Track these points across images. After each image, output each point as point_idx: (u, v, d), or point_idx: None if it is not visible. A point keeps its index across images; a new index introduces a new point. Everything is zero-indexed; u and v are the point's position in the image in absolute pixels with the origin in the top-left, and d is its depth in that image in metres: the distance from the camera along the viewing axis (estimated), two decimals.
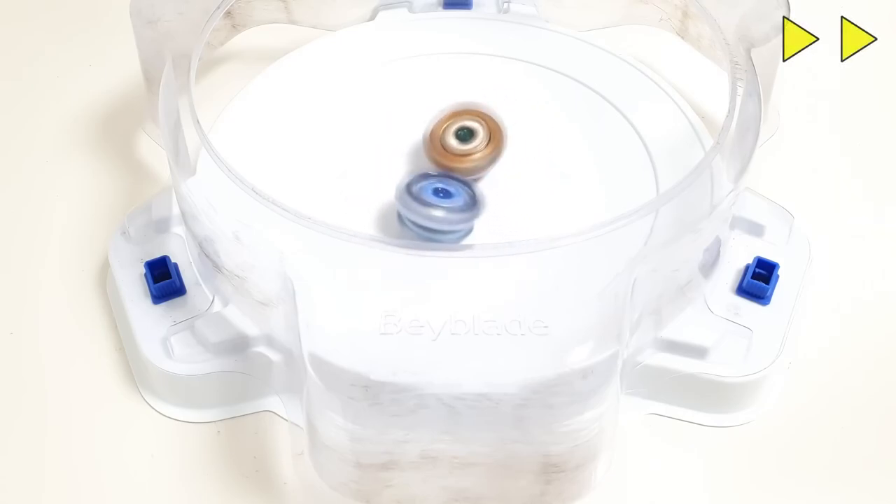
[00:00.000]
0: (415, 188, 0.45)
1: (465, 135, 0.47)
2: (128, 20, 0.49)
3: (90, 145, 0.56)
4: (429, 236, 0.45)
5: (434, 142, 0.47)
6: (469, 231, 0.46)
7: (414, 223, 0.45)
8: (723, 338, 0.46)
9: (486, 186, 0.47)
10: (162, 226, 0.49)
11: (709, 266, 0.47)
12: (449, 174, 0.47)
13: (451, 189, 0.46)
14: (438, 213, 0.45)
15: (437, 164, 0.47)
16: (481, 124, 0.48)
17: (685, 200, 0.45)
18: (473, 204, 0.46)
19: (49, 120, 0.57)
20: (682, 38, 0.55)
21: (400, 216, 0.46)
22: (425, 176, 0.46)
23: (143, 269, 0.48)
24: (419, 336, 0.42)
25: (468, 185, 0.46)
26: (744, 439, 0.47)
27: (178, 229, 0.49)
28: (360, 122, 0.51)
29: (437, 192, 0.46)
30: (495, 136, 0.48)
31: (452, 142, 0.47)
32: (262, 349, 0.46)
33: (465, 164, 0.47)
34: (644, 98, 0.52)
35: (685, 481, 0.46)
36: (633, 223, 0.42)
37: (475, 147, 0.47)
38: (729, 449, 0.46)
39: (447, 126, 0.47)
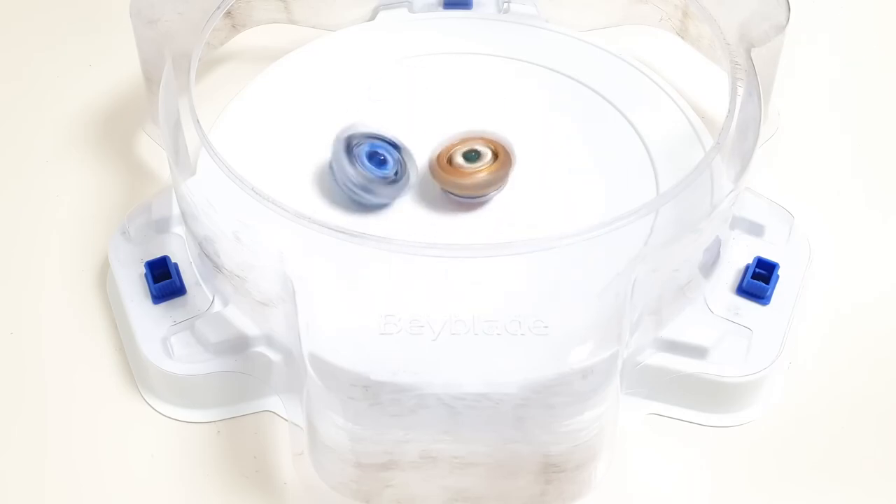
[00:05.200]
0: (355, 147, 0.47)
1: (473, 156, 0.47)
2: (128, 20, 0.49)
3: (90, 145, 0.56)
4: (350, 196, 0.47)
5: (441, 161, 0.47)
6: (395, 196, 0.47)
7: (344, 181, 0.47)
8: (723, 338, 0.46)
9: None
10: (162, 226, 0.49)
11: (709, 266, 0.47)
12: (386, 139, 0.47)
13: (388, 157, 0.47)
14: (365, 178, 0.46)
15: (440, 179, 0.47)
16: (490, 148, 0.47)
17: (685, 200, 0.45)
18: (400, 177, 0.47)
19: (49, 120, 0.57)
20: (682, 38, 0.55)
21: (331, 166, 0.47)
22: (367, 136, 0.47)
23: (143, 269, 0.48)
24: (419, 336, 0.42)
25: (402, 155, 0.47)
26: (744, 439, 0.47)
27: (178, 229, 0.49)
28: (359, 122, 0.51)
29: (372, 156, 0.46)
30: (502, 160, 0.47)
31: (459, 160, 0.47)
32: (262, 349, 0.46)
33: (471, 180, 0.47)
34: (644, 98, 0.52)
35: (685, 481, 0.46)
36: (633, 223, 0.42)
37: (480, 168, 0.47)
38: (729, 449, 0.46)
39: (457, 149, 0.47)
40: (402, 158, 0.47)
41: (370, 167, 0.46)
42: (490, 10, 0.57)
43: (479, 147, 0.47)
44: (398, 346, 0.42)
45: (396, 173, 0.47)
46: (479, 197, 0.47)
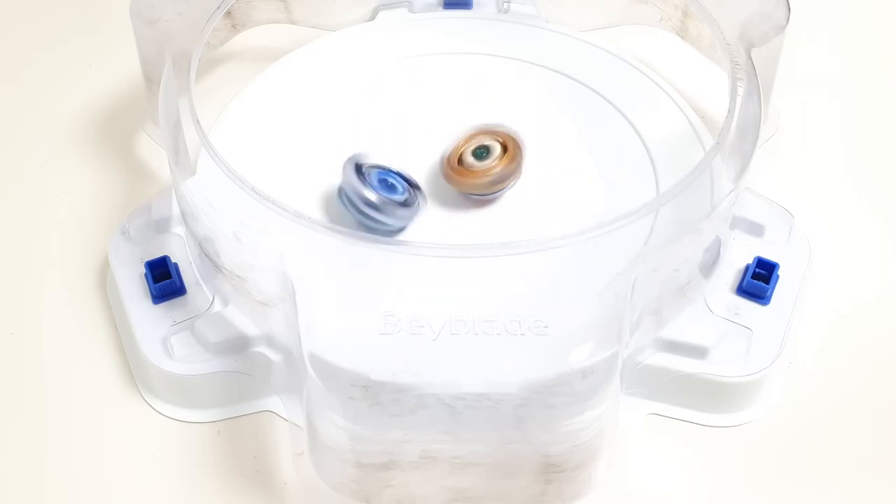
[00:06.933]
0: (365, 169, 0.46)
1: (482, 153, 0.47)
2: (128, 20, 0.49)
3: (90, 145, 0.56)
4: (361, 220, 0.46)
5: (452, 162, 0.47)
6: (401, 229, 0.46)
7: (351, 200, 0.46)
8: (723, 338, 0.46)
9: None
10: (162, 226, 0.49)
11: (709, 266, 0.47)
12: (393, 171, 0.47)
13: (397, 184, 0.46)
14: (375, 197, 0.45)
15: (455, 183, 0.47)
16: (498, 142, 0.47)
17: (685, 200, 0.45)
18: (412, 202, 0.46)
19: (49, 120, 0.57)
20: (682, 38, 0.55)
21: (341, 190, 0.46)
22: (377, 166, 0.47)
23: (143, 269, 0.48)
24: (419, 336, 0.42)
25: (413, 186, 0.47)
26: (744, 439, 0.47)
27: (178, 229, 0.49)
28: (359, 122, 0.51)
29: (382, 182, 0.46)
30: (512, 152, 0.47)
31: (470, 159, 0.47)
32: (262, 349, 0.46)
33: (483, 179, 0.47)
34: (644, 98, 0.52)
35: (685, 481, 0.46)
36: (633, 223, 0.42)
37: (492, 164, 0.47)
38: (729, 449, 0.46)
39: (465, 147, 0.47)
40: (411, 188, 0.47)
41: (382, 191, 0.46)
42: (490, 10, 0.57)
43: (487, 142, 0.47)
44: (398, 346, 0.42)
45: (406, 199, 0.46)
46: (494, 193, 0.47)
